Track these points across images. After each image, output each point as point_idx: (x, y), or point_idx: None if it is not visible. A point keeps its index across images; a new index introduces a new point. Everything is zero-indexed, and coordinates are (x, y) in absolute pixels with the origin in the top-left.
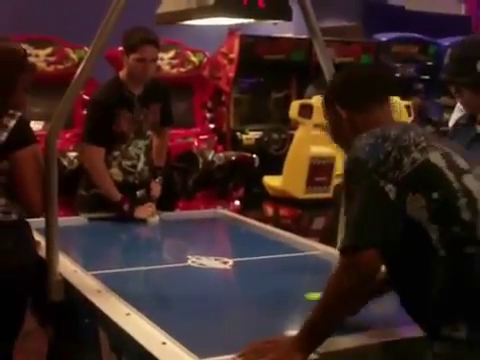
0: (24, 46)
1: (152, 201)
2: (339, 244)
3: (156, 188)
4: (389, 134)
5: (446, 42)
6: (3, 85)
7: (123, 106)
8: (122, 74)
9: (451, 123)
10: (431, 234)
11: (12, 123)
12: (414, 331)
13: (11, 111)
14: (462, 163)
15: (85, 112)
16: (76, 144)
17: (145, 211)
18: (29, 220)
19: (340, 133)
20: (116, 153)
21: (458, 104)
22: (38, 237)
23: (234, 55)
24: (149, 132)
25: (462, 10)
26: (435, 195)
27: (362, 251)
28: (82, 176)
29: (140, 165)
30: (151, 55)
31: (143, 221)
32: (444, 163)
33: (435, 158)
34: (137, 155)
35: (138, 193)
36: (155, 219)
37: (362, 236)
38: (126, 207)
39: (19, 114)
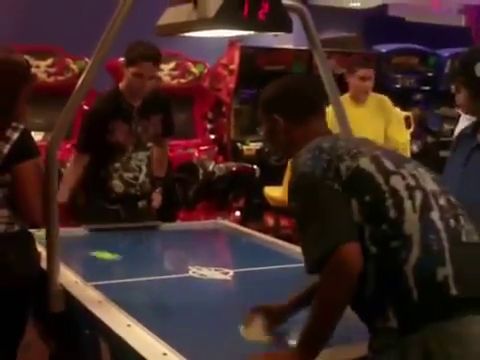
0: (25, 57)
1: (152, 211)
2: (310, 261)
3: (157, 198)
4: (323, 146)
5: (446, 53)
6: (7, 97)
7: (118, 117)
8: (122, 85)
9: (456, 133)
10: (364, 233)
11: (15, 136)
12: None
13: (14, 124)
14: (389, 165)
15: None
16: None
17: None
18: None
19: (277, 140)
20: (117, 165)
21: (463, 115)
22: (39, 248)
23: (234, 66)
24: (150, 144)
25: (462, 21)
26: (367, 198)
27: (341, 247)
28: (84, 187)
29: (141, 177)
30: (148, 71)
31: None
32: (373, 167)
33: (364, 163)
34: (138, 167)
35: (139, 204)
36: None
37: (337, 234)
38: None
39: (22, 127)
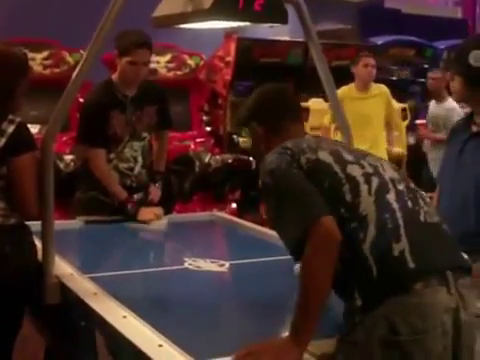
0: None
1: (150, 205)
2: (292, 241)
3: (155, 193)
4: (287, 145)
5: (442, 45)
6: (5, 90)
7: (115, 107)
8: (115, 76)
9: (427, 118)
10: None
11: (11, 128)
12: None
13: (11, 117)
14: (348, 156)
15: (79, 115)
16: (72, 147)
17: (148, 214)
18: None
19: (258, 149)
20: (112, 155)
21: (433, 101)
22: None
23: (230, 58)
24: (145, 134)
25: (458, 13)
26: (325, 185)
27: (320, 220)
28: (80, 179)
29: (137, 168)
30: (143, 58)
31: (146, 223)
32: (331, 158)
33: (323, 156)
34: (134, 158)
35: (135, 196)
36: (160, 223)
37: (313, 210)
38: (130, 206)
39: (18, 120)
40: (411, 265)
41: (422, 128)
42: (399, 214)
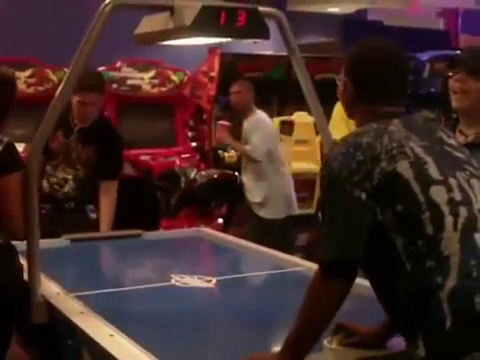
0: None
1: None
2: (318, 254)
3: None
4: (361, 142)
5: (424, 56)
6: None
7: (61, 128)
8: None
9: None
10: (397, 245)
11: None
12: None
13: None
14: (434, 172)
15: None
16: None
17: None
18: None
19: (343, 99)
20: (48, 168)
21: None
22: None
23: (214, 73)
24: (78, 166)
25: (440, 24)
26: (399, 207)
27: (339, 264)
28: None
29: (66, 188)
30: (91, 100)
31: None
32: (411, 173)
33: (402, 168)
34: (64, 180)
35: (66, 205)
36: None
37: (340, 249)
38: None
39: (6, 139)
40: None
41: None
42: None
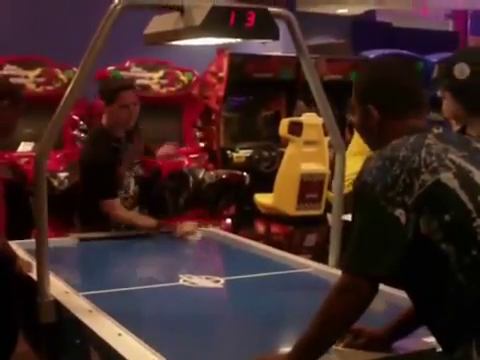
0: (12, 67)
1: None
2: (343, 261)
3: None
4: (397, 156)
5: (434, 58)
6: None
7: (117, 161)
8: (105, 122)
9: None
10: (449, 256)
11: None
12: (417, 345)
13: None
14: None
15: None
16: (66, 165)
17: (190, 226)
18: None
19: (368, 132)
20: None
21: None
22: (29, 258)
23: (223, 74)
24: (136, 160)
25: (450, 26)
26: (447, 217)
27: (362, 278)
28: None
29: (131, 187)
30: (132, 99)
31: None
32: (456, 183)
33: (446, 178)
34: (128, 182)
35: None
36: (196, 236)
37: (364, 264)
38: (164, 228)
39: None
40: None
41: None
42: None
